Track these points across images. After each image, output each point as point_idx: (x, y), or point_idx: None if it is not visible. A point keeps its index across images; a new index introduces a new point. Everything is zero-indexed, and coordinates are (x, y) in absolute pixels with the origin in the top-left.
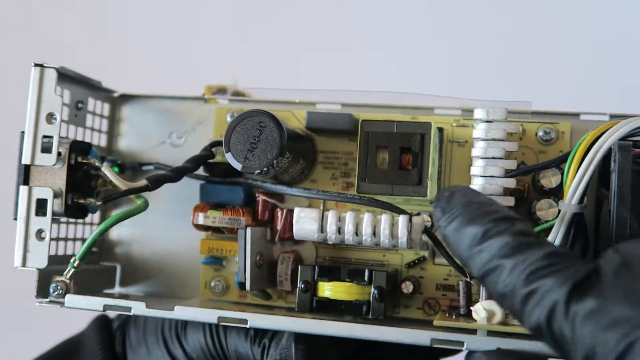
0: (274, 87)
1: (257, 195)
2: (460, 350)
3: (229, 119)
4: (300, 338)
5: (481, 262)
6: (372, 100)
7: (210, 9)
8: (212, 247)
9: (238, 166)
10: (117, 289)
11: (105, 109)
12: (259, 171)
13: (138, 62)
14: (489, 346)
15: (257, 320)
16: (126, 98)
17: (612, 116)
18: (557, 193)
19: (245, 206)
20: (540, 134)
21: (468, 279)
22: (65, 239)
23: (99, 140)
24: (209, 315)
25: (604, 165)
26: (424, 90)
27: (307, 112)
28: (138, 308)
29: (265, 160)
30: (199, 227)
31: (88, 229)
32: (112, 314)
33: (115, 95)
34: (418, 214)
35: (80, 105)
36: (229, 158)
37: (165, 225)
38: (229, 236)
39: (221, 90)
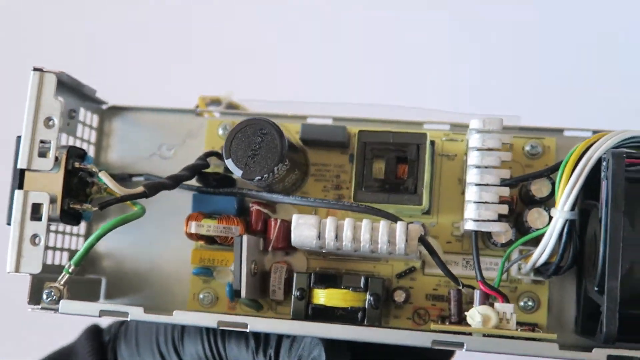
0: (267, 99)
1: (250, 205)
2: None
3: (220, 132)
4: (329, 346)
5: None
6: (362, 114)
7: (206, 20)
8: (204, 257)
9: (239, 172)
10: (102, 302)
11: (95, 120)
12: (259, 177)
13: (131, 72)
14: (488, 346)
15: (259, 324)
16: (116, 110)
17: (595, 132)
18: (547, 202)
19: (238, 216)
20: (528, 148)
21: (460, 287)
22: (54, 248)
23: (88, 151)
24: (209, 320)
25: (589, 177)
26: (413, 104)
27: (301, 124)
28: (135, 313)
29: (266, 166)
30: (192, 235)
31: (75, 240)
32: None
33: (104, 107)
34: (411, 223)
35: (73, 114)
36: (229, 164)
37: (153, 237)
38: (221, 247)
39: (215, 102)
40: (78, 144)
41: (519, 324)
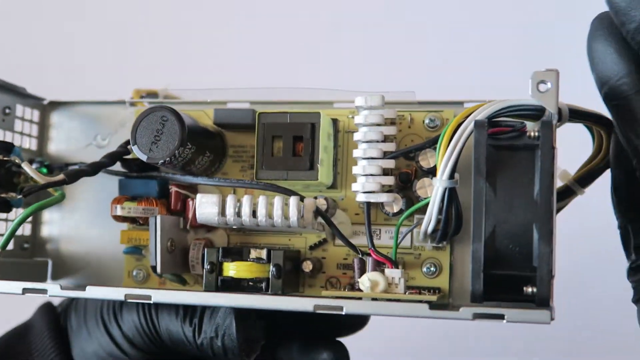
0: (191, 88)
1: (170, 187)
2: (340, 315)
3: None
4: (238, 315)
5: None
6: (276, 97)
7: (142, 13)
8: (132, 237)
9: (143, 157)
10: (49, 282)
11: (35, 115)
12: (162, 161)
13: (67, 69)
14: (365, 310)
15: (159, 295)
16: (54, 105)
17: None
18: (434, 173)
19: (160, 198)
20: (427, 121)
21: (360, 256)
22: None
23: (30, 144)
24: (117, 293)
25: None
26: (324, 85)
27: (214, 109)
28: (53, 290)
29: (167, 150)
30: (117, 218)
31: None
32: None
33: (45, 102)
34: (315, 198)
35: (7, 110)
36: (135, 150)
37: (90, 221)
38: (146, 227)
39: (152, 94)
40: (17, 137)
41: (421, 288)
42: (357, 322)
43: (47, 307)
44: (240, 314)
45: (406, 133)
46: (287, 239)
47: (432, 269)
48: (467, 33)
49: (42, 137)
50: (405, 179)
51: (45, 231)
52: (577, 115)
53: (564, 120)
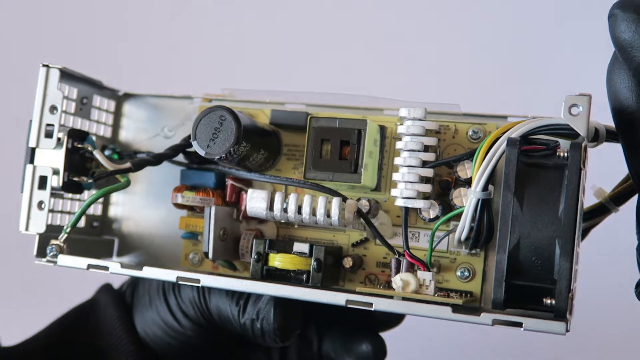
0: (253, 88)
1: (227, 180)
2: (370, 311)
3: None
4: (278, 303)
5: None
6: (329, 102)
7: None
8: (189, 224)
9: (202, 152)
10: (115, 259)
11: (111, 105)
12: (218, 157)
13: (143, 65)
14: (392, 308)
15: (208, 280)
16: (128, 96)
17: (534, 118)
18: (471, 183)
19: (216, 189)
20: (470, 133)
21: (397, 257)
22: (61, 212)
23: (104, 131)
24: (170, 275)
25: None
26: (377, 92)
27: (271, 110)
28: (114, 268)
29: (223, 147)
30: (177, 205)
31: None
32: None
33: (120, 93)
34: (358, 200)
35: (85, 100)
36: (195, 145)
37: (154, 206)
38: (202, 215)
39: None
40: (94, 125)
41: (452, 291)
42: (392, 319)
43: (109, 286)
44: (279, 302)
45: (450, 143)
46: (332, 235)
47: (465, 273)
48: (515, 50)
49: (116, 125)
50: (445, 186)
51: (113, 212)
52: (613, 136)
53: (601, 140)
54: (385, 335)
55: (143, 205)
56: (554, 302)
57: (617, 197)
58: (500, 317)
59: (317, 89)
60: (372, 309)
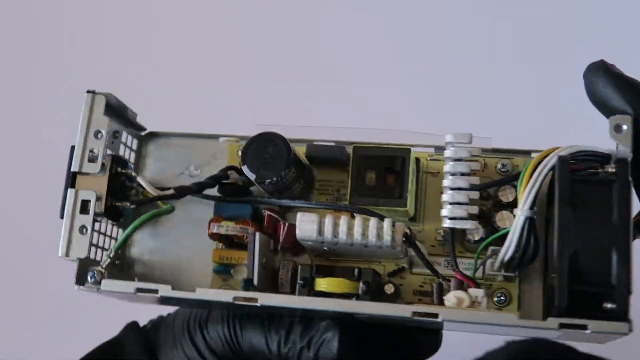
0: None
1: (263, 211)
2: (437, 323)
3: (239, 153)
4: (345, 330)
5: None
6: (359, 138)
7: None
8: (223, 256)
9: (252, 176)
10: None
11: (134, 143)
12: (269, 180)
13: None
14: (459, 317)
15: (265, 298)
16: (152, 135)
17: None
18: (512, 207)
19: (253, 221)
20: (499, 166)
21: (440, 280)
22: (96, 247)
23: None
24: (225, 295)
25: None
26: (404, 127)
27: (306, 144)
28: (164, 289)
29: (275, 171)
30: (214, 235)
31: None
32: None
33: (143, 134)
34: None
35: (117, 134)
36: (245, 169)
37: (181, 241)
38: (238, 248)
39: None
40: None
41: None
42: (429, 348)
43: (135, 325)
44: (347, 330)
45: (479, 175)
46: (367, 265)
47: (502, 298)
48: (537, 85)
49: (138, 164)
50: (481, 214)
51: (137, 248)
52: None
53: None
54: None
55: (168, 240)
56: (614, 305)
57: None
58: (566, 320)
59: (345, 123)
60: (439, 320)
